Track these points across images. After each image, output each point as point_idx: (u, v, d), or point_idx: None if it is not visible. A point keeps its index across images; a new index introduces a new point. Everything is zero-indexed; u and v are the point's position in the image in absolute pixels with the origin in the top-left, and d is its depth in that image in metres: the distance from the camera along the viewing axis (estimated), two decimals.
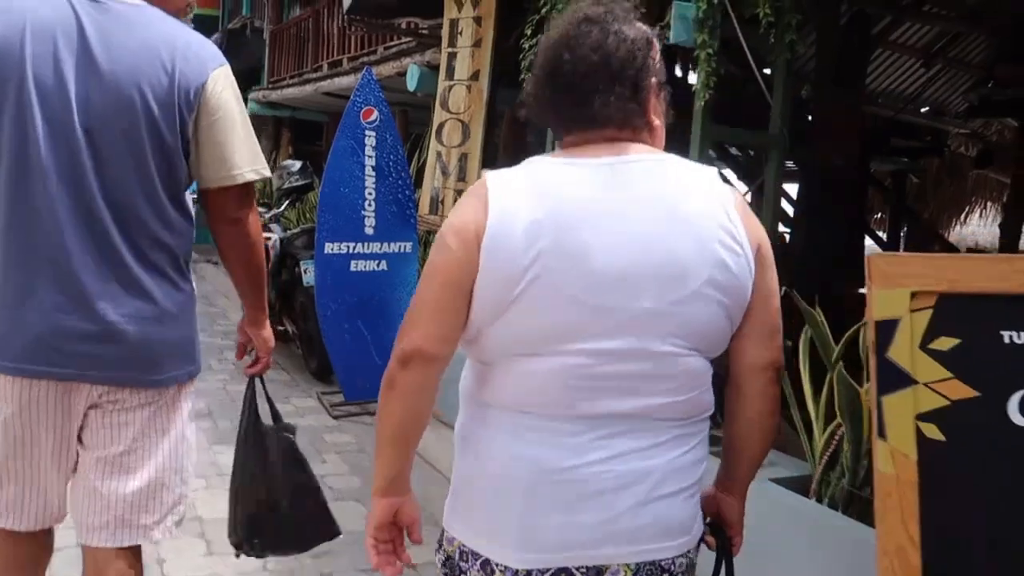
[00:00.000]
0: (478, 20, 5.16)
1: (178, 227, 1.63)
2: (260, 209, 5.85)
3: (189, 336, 1.70)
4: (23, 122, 1.48)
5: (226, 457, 2.39)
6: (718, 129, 3.13)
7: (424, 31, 6.50)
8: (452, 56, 5.32)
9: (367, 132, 4.55)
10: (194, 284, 1.74)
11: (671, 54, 4.73)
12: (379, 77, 7.52)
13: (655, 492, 1.21)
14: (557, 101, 1.24)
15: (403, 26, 6.30)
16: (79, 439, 1.64)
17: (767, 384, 1.30)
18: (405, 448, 1.26)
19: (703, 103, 2.78)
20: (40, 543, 1.74)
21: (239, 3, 16.63)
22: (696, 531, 1.30)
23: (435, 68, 6.42)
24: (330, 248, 4.52)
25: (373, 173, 4.57)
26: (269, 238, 5.56)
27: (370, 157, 4.56)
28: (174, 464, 1.71)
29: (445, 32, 5.37)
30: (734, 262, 1.20)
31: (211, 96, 1.57)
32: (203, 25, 17.76)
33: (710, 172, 1.27)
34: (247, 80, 14.07)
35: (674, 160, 1.26)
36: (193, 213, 1.70)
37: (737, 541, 1.40)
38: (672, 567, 1.25)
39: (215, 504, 3.10)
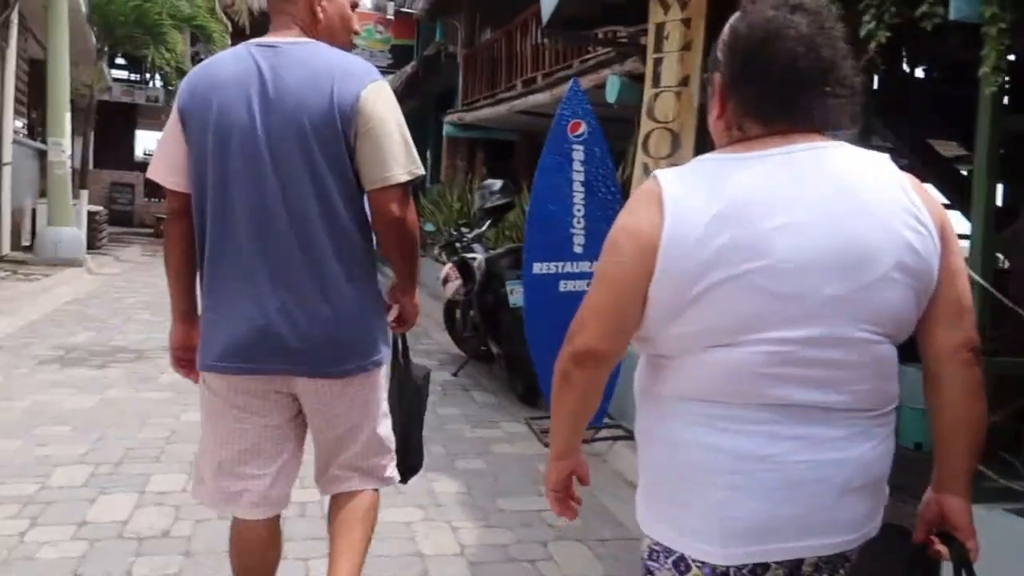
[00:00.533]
0: (686, 22, 4.85)
1: (354, 230, 1.85)
2: (463, 229, 5.83)
3: (366, 332, 1.90)
4: (224, 154, 1.78)
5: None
6: (1016, 119, 2.63)
7: (623, 39, 6.27)
8: (658, 62, 5.03)
9: (574, 146, 4.37)
10: (381, 281, 1.97)
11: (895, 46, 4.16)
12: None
13: (850, 484, 1.20)
14: (757, 92, 1.21)
15: (601, 36, 6.11)
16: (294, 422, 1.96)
17: (962, 366, 1.24)
18: (579, 427, 1.36)
19: (991, 90, 2.32)
20: (275, 527, 2.03)
21: (433, 31, 17.29)
22: (877, 522, 1.28)
23: (635, 78, 6.16)
24: (539, 268, 4.37)
25: (582, 189, 4.38)
26: (474, 259, 5.52)
27: (578, 172, 4.38)
28: (379, 431, 2.01)
29: (650, 37, 5.10)
30: (921, 244, 1.18)
31: (364, 108, 1.77)
32: (401, 54, 18.66)
33: (883, 156, 1.25)
34: (443, 104, 14.51)
35: (846, 146, 1.23)
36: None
37: (972, 546, 1.28)
38: (851, 556, 1.27)
39: None
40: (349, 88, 1.77)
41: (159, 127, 19.81)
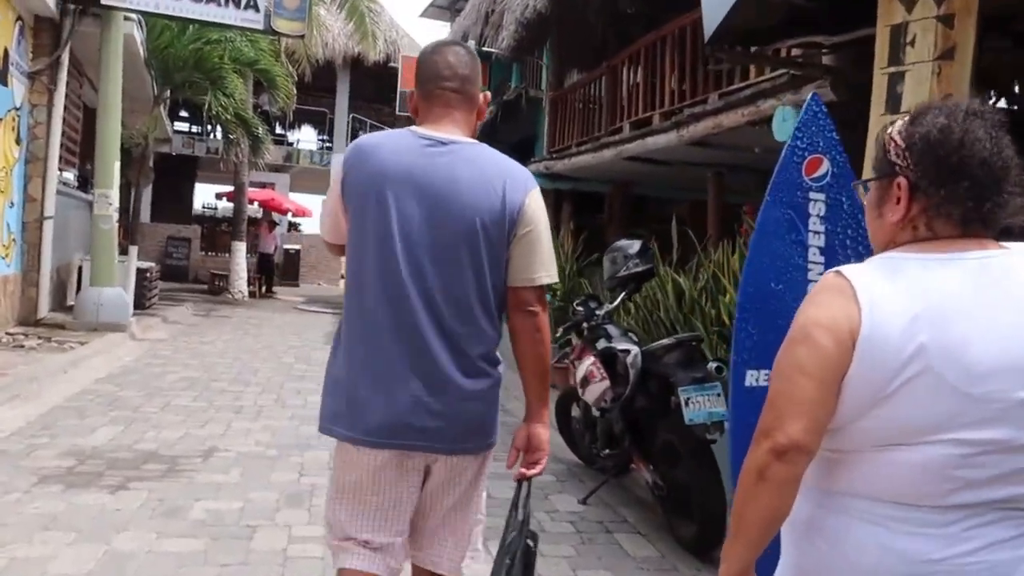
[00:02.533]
0: (946, 20, 3.39)
1: (494, 323, 1.96)
2: (592, 304, 4.37)
3: (494, 414, 1.99)
4: (388, 239, 1.86)
5: None
6: None
7: (798, 59, 4.85)
8: (896, 79, 3.57)
9: (812, 195, 2.91)
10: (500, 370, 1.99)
11: None
12: (717, 131, 5.99)
13: None
14: (953, 194, 1.23)
15: (784, 54, 4.72)
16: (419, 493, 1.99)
17: None
18: (765, 539, 1.26)
19: None
20: None
21: (505, 75, 16.19)
22: None
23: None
24: (753, 378, 2.88)
25: (821, 259, 2.90)
26: (624, 351, 4.03)
27: (816, 234, 2.90)
28: (480, 513, 2.07)
29: (881, 45, 3.65)
30: None
31: (527, 213, 1.91)
32: None
33: None
34: (522, 152, 13.29)
35: None
36: None
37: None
38: None
39: None
40: (517, 192, 1.90)
41: (219, 180, 18.96)
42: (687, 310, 5.16)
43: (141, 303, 12.46)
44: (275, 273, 19.77)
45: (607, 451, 4.35)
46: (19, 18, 8.99)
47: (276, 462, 4.79)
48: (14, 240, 9.27)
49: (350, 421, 1.89)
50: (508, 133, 13.42)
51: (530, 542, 1.98)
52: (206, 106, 11.39)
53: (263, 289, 18.65)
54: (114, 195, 10.14)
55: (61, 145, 10.42)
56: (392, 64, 20.95)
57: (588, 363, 3.95)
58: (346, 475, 1.94)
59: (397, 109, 17.91)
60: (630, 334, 4.51)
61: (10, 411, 5.58)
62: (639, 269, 4.64)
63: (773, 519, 1.25)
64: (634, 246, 4.71)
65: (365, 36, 17.28)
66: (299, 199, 23.82)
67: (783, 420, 1.21)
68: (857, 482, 1.23)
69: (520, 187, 1.89)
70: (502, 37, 10.31)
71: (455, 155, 1.87)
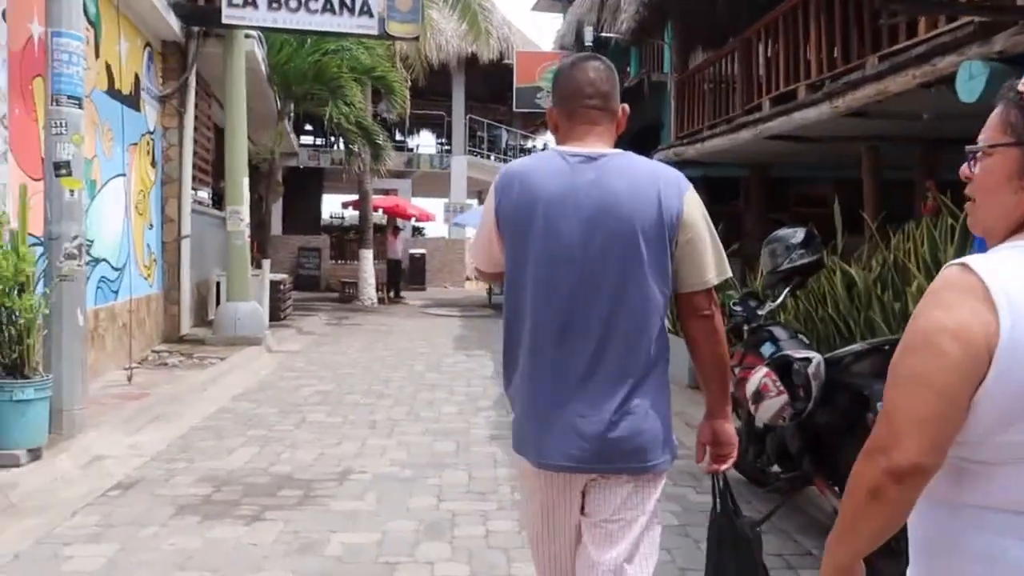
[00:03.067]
0: None
1: (663, 333, 1.90)
2: (751, 302, 3.85)
3: (659, 432, 1.88)
4: (552, 258, 1.85)
5: None
6: None
7: (987, 3, 4.13)
8: None
9: None
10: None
11: None
12: (879, 98, 5.28)
13: None
14: None
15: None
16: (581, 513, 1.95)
17: None
18: (870, 550, 1.16)
19: None
20: None
21: (624, 63, 15.59)
22: None
23: (1013, 60, 4.00)
24: None
25: None
26: (804, 360, 3.47)
27: None
28: (650, 535, 1.93)
29: None
30: None
31: (686, 217, 1.85)
32: None
33: None
34: (647, 140, 12.70)
35: None
36: None
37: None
38: None
39: None
40: (672, 198, 1.85)
41: (344, 190, 19.22)
42: (862, 304, 4.52)
43: (276, 315, 12.72)
44: (402, 278, 19.94)
45: (779, 470, 3.80)
46: (147, 44, 9.25)
47: (412, 485, 4.51)
48: (155, 260, 9.56)
49: (527, 444, 1.90)
50: (630, 122, 12.85)
51: (751, 531, 2.00)
52: (327, 116, 11.43)
53: (391, 294, 18.84)
54: (245, 211, 10.32)
55: (194, 165, 10.71)
56: (506, 61, 20.72)
57: (760, 375, 3.42)
58: (531, 497, 1.98)
59: (513, 106, 17.68)
60: (800, 336, 3.95)
61: (153, 433, 5.59)
62: (805, 261, 4.06)
63: (884, 534, 1.14)
64: (797, 235, 4.13)
65: (478, 35, 17.09)
66: (421, 203, 24.04)
67: (901, 438, 1.08)
68: (996, 495, 1.10)
69: (675, 192, 1.86)
70: (621, 20, 9.79)
71: (605, 169, 1.87)
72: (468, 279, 24.45)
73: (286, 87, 11.90)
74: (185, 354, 8.91)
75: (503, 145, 26.03)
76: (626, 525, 1.88)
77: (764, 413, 3.44)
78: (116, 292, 7.92)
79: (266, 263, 12.05)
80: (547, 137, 30.78)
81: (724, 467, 2.01)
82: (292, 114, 19.55)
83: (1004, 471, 1.09)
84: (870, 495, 1.10)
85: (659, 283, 1.85)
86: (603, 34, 10.78)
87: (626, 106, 2.01)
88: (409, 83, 14.84)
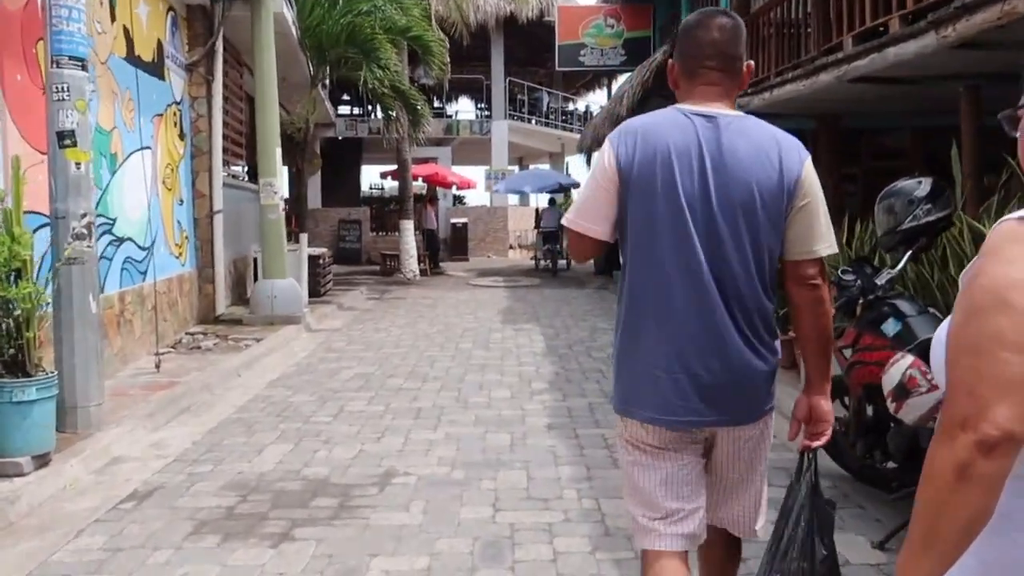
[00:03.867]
0: None
1: (771, 296, 1.93)
2: (866, 268, 3.13)
3: (772, 383, 1.97)
4: (675, 218, 1.85)
5: None
6: None
7: None
8: None
9: None
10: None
11: None
12: (1005, 21, 4.47)
13: None
14: None
15: None
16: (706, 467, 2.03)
17: None
18: (961, 553, 1.00)
19: None
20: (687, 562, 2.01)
21: (676, 9, 14.65)
22: None
23: None
24: None
25: None
26: (883, 324, 2.77)
27: None
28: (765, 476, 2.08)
29: None
30: None
31: (805, 183, 1.87)
32: (636, 48, 16.24)
33: None
34: None
35: None
36: None
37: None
38: None
39: None
40: (793, 162, 1.87)
41: (384, 160, 18.62)
42: None
43: (316, 290, 12.27)
44: (440, 248, 19.38)
45: (902, 470, 3.12)
46: (171, 8, 8.68)
47: (464, 490, 3.93)
48: (187, 238, 9.10)
49: (643, 400, 1.91)
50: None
51: (829, 510, 1.97)
52: (361, 81, 10.80)
53: (432, 266, 18.36)
54: (279, 183, 9.80)
55: (225, 137, 10.21)
56: (547, 19, 19.83)
57: (906, 366, 2.73)
58: (642, 457, 1.97)
59: (556, 65, 16.84)
60: (932, 311, 3.24)
61: (179, 429, 5.10)
62: (933, 217, 3.34)
63: (977, 524, 0.98)
64: (922, 187, 3.41)
65: None
66: (462, 171, 23.36)
67: (989, 406, 0.94)
68: None
69: (795, 157, 1.88)
70: None
71: (728, 129, 1.87)
72: (511, 247, 23.83)
73: (319, 51, 11.28)
74: (221, 336, 8.47)
75: (544, 108, 25.16)
76: (755, 468, 2.08)
77: (911, 412, 2.75)
78: (144, 273, 7.45)
79: (303, 237, 11.55)
80: (592, 97, 29.81)
81: (818, 444, 1.98)
82: (327, 82, 19.01)
83: None
84: (958, 477, 0.97)
85: (773, 245, 1.88)
86: None
87: (751, 63, 1.98)
88: (447, 45, 14.08)
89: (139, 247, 7.39)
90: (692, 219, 1.83)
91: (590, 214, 1.93)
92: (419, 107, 12.18)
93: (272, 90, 9.69)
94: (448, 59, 14.10)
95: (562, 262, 18.62)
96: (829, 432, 1.99)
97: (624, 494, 2.05)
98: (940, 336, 1.10)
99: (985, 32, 4.63)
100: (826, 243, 1.89)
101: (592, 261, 18.74)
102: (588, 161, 17.29)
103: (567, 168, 27.55)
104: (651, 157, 1.84)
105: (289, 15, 10.34)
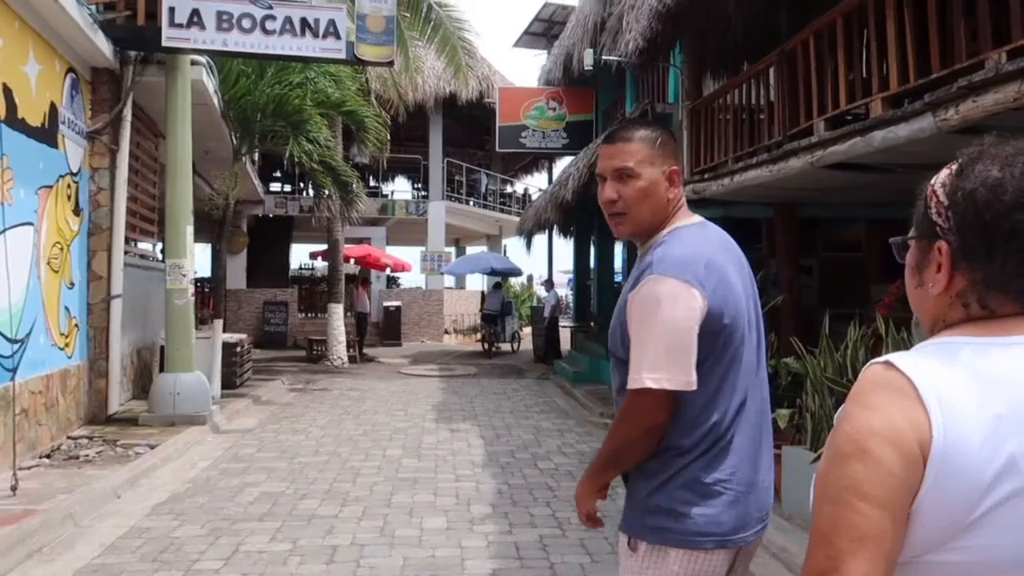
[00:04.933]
0: None
1: None
2: None
3: None
4: (742, 346, 1.81)
5: None
6: None
7: None
8: None
9: None
10: None
11: None
12: (1016, 104, 3.92)
13: None
14: (1012, 264, 0.98)
15: None
16: None
17: None
18: None
19: None
20: None
21: (616, 98, 14.36)
22: None
23: None
24: None
25: None
26: None
27: None
28: None
29: None
30: None
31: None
32: (577, 131, 15.89)
33: None
34: None
35: None
36: None
37: None
38: None
39: None
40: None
41: (316, 239, 17.50)
42: None
43: (231, 382, 11.10)
44: (366, 334, 18.40)
45: None
46: (70, 69, 7.76)
47: None
48: (76, 326, 7.95)
49: (724, 524, 1.80)
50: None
51: None
52: (287, 154, 9.96)
53: (362, 353, 17.43)
54: (189, 265, 8.77)
55: (133, 213, 9.20)
56: (487, 100, 19.51)
57: None
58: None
59: (497, 145, 16.35)
60: None
61: None
62: None
63: None
64: None
65: (458, 70, 15.79)
66: (397, 252, 22.53)
67: (842, 560, 0.92)
68: None
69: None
70: (625, 42, 8.49)
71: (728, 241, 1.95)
72: (447, 332, 22.91)
73: (244, 123, 10.45)
74: (109, 440, 7.28)
75: (483, 190, 24.72)
76: None
77: None
78: (13, 371, 6.29)
79: (217, 323, 10.45)
80: (531, 180, 29.62)
81: None
82: (256, 158, 18.16)
83: None
84: None
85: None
86: (605, 57, 9.47)
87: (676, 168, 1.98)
88: (386, 123, 13.41)
89: (7, 339, 6.24)
90: (750, 343, 1.85)
91: (687, 362, 1.72)
92: (351, 184, 11.38)
93: (184, 163, 8.77)
94: (386, 136, 13.43)
95: (505, 345, 18.65)
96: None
97: None
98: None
99: (994, 116, 4.08)
100: None
101: (533, 346, 17.99)
102: (528, 245, 16.68)
103: (504, 250, 27.05)
104: (725, 287, 1.78)
105: (210, 84, 9.52)
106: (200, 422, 8.27)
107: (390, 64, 8.63)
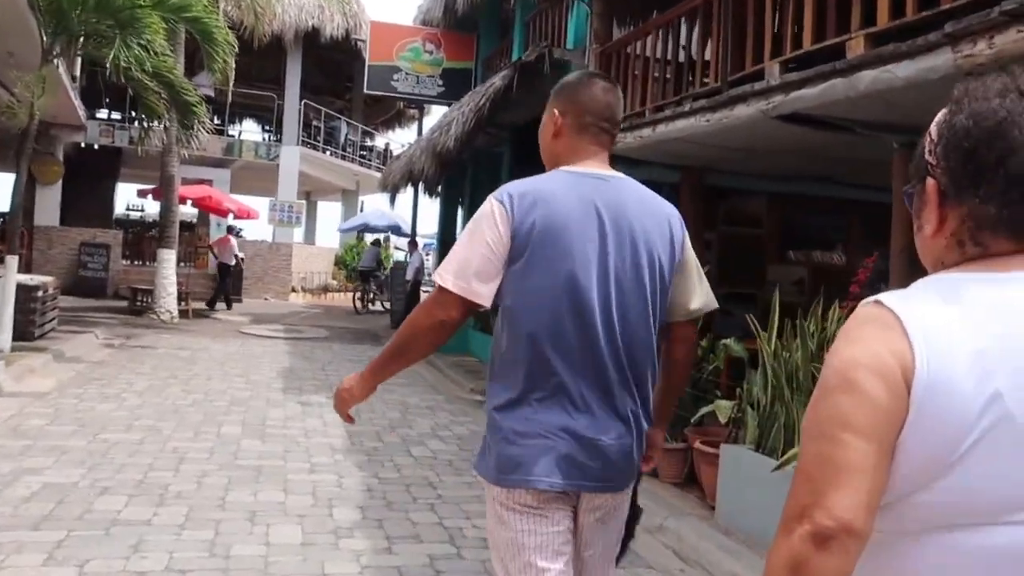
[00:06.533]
0: None
1: (654, 358, 1.96)
2: None
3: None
4: (578, 280, 1.83)
5: None
6: None
7: None
8: None
9: None
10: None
11: None
12: (990, 60, 3.10)
13: None
14: (995, 197, 0.96)
15: None
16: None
17: None
18: None
19: None
20: None
21: (505, 48, 13.20)
22: None
23: None
24: None
25: None
26: None
27: None
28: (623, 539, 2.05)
29: None
30: None
31: (687, 251, 1.98)
32: (455, 79, 14.58)
33: None
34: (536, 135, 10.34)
35: None
36: None
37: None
38: None
39: None
40: (678, 226, 1.96)
41: (148, 179, 15.52)
42: None
43: (27, 333, 9.13)
44: (228, 290, 16.81)
45: None
46: None
47: None
48: None
49: (525, 465, 1.81)
50: (521, 110, 10.41)
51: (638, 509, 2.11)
52: (111, 59, 8.06)
53: (224, 307, 16.30)
54: None
55: None
56: (356, 37, 17.80)
57: None
58: (528, 525, 1.84)
59: (366, 86, 14.75)
60: None
61: None
62: None
63: None
64: None
65: None
66: (242, 200, 20.34)
67: (824, 493, 0.89)
68: (923, 573, 0.91)
69: (678, 221, 1.97)
70: None
71: (620, 191, 1.92)
72: (294, 291, 21.08)
73: (58, 16, 8.42)
74: None
75: (342, 140, 22.87)
76: (615, 535, 2.04)
77: None
78: None
79: (11, 260, 8.47)
80: (393, 135, 27.90)
81: (646, 468, 2.07)
82: (77, 75, 15.57)
83: (923, 544, 0.92)
84: (792, 570, 0.89)
85: (661, 306, 1.92)
86: None
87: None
88: (235, 46, 11.49)
89: None
90: (599, 282, 1.83)
91: (484, 276, 1.83)
92: (194, 105, 9.55)
93: None
94: (233, 63, 11.59)
95: (377, 306, 18.28)
96: (655, 461, 2.11)
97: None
98: None
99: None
100: (703, 301, 1.99)
101: (389, 312, 16.67)
102: (392, 200, 15.29)
103: (362, 206, 25.34)
104: (553, 219, 1.82)
105: None
106: None
107: None
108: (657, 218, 1.90)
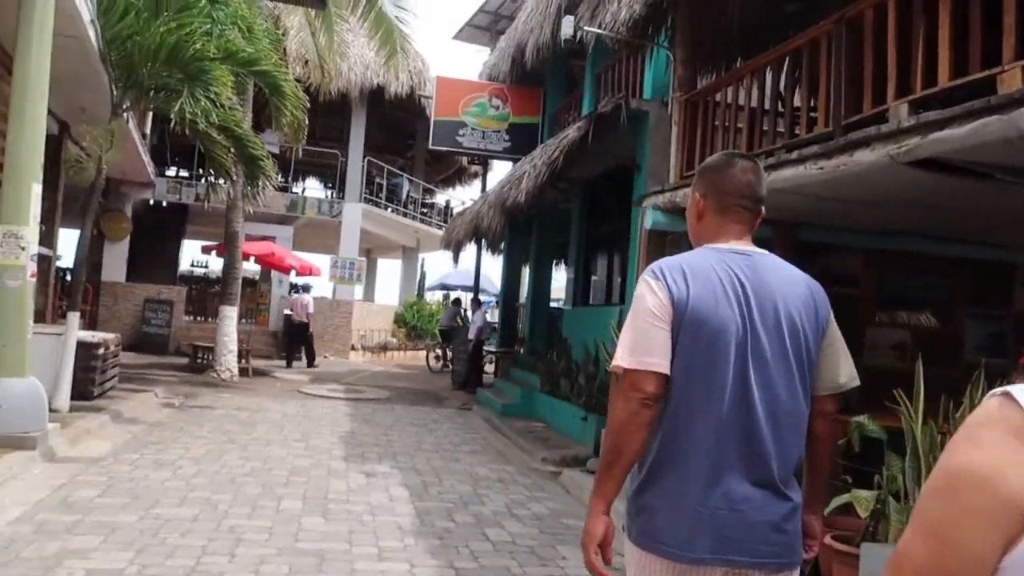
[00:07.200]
0: None
1: (803, 432, 1.92)
2: None
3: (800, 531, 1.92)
4: (728, 349, 1.83)
5: None
6: None
7: None
8: None
9: None
10: None
11: None
12: None
13: None
14: None
15: None
16: None
17: None
18: None
19: None
20: None
21: (572, 102, 12.90)
22: None
23: None
24: None
25: None
26: None
27: None
28: None
29: None
30: None
31: (832, 324, 1.97)
32: (521, 135, 14.32)
33: None
34: (618, 185, 9.89)
35: None
36: None
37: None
38: None
39: None
40: (823, 301, 1.96)
41: (213, 235, 15.46)
42: None
43: (86, 391, 8.86)
44: (311, 347, 17.12)
45: None
46: None
47: None
48: None
49: (686, 537, 1.82)
50: (593, 164, 9.98)
51: None
52: (175, 110, 7.90)
53: (307, 365, 16.60)
54: (31, 236, 6.63)
55: None
56: (420, 93, 17.77)
57: None
58: None
59: (431, 142, 14.55)
60: None
61: None
62: None
63: None
64: None
65: (393, 54, 14.10)
66: (303, 256, 20.31)
67: None
68: None
69: (823, 295, 1.96)
70: (615, 10, 6.96)
71: (762, 265, 1.93)
72: (354, 348, 20.81)
73: (128, 69, 8.36)
74: None
75: (403, 196, 22.81)
76: None
77: None
78: None
79: (72, 317, 8.26)
80: (455, 192, 27.84)
81: (808, 556, 2.00)
82: (147, 133, 15.78)
83: None
84: None
85: (807, 377, 1.90)
86: (588, 29, 7.91)
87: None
88: (306, 102, 11.40)
89: None
90: (754, 358, 1.84)
91: (653, 348, 1.83)
92: (261, 159, 9.37)
93: (36, 102, 6.64)
94: (303, 119, 11.47)
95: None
96: (816, 548, 2.06)
97: None
98: None
99: None
100: (848, 378, 1.97)
101: (451, 373, 16.13)
102: (456, 258, 14.92)
103: (422, 265, 25.18)
104: (703, 292, 1.84)
105: (86, 10, 7.45)
106: (28, 446, 6.14)
107: (323, 6, 6.80)
108: (800, 291, 1.91)
